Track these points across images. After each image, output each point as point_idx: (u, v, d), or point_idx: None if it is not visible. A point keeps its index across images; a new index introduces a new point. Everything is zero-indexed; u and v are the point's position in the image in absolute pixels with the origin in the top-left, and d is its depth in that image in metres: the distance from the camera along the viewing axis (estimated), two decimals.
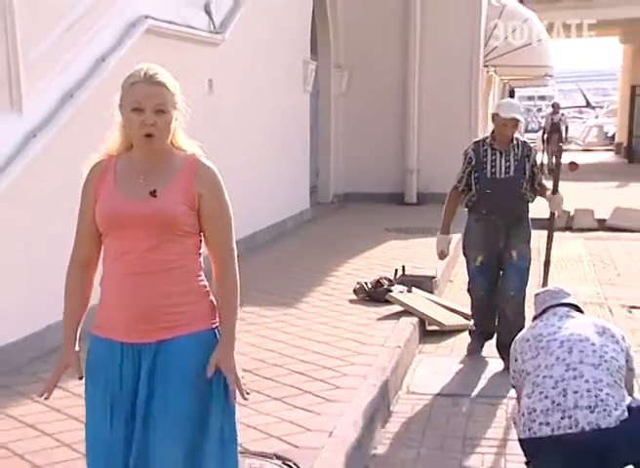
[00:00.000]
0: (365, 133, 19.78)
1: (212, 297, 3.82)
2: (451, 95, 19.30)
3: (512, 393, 6.44)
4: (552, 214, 8.15)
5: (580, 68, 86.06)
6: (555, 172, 8.06)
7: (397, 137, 19.81)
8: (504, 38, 20.96)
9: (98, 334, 3.68)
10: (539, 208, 8.41)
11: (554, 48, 24.26)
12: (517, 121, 7.65)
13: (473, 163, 7.77)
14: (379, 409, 6.61)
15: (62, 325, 3.79)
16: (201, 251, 3.78)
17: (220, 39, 12.27)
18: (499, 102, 8.21)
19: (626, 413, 5.00)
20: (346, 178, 20.03)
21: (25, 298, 7.09)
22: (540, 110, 57.57)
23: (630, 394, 5.41)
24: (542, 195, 7.97)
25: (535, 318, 5.98)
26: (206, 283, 3.79)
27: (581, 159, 33.66)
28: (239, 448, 5.60)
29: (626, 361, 5.40)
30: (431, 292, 10.01)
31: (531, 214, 8.03)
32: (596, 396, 5.04)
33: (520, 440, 5.44)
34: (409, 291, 9.50)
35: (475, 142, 7.99)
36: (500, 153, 7.73)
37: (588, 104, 69.37)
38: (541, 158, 8.38)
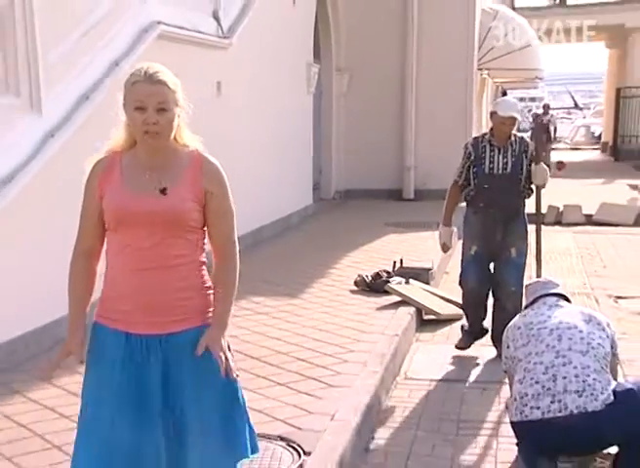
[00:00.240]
0: (365, 132, 19.77)
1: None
2: (446, 96, 19.29)
3: (504, 379, 6.44)
4: (539, 198, 7.94)
5: (568, 71, 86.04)
6: (537, 148, 7.86)
7: (395, 136, 19.78)
8: (497, 43, 20.96)
9: (103, 324, 3.61)
10: (528, 203, 8.33)
11: (544, 52, 24.25)
12: (515, 119, 7.59)
13: (472, 158, 7.69)
14: (378, 394, 6.60)
15: (68, 313, 3.70)
16: (205, 246, 3.74)
17: (227, 43, 12.26)
18: (497, 100, 8.09)
19: (612, 397, 5.05)
20: (347, 176, 20.02)
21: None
22: (530, 111, 57.47)
23: (615, 378, 5.44)
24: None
25: (526, 307, 6.00)
26: (208, 277, 3.74)
27: (570, 157, 33.84)
28: None
29: (611, 347, 5.44)
30: (428, 284, 10.01)
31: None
32: (584, 381, 5.08)
33: (512, 423, 5.47)
34: (406, 282, 9.50)
35: (474, 138, 7.93)
36: (499, 149, 7.64)
37: (576, 106, 69.33)
38: (541, 150, 8.50)
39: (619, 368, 5.82)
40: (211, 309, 3.68)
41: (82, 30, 8.35)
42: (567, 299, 5.92)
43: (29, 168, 7.14)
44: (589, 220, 17.42)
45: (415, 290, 9.37)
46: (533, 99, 68.21)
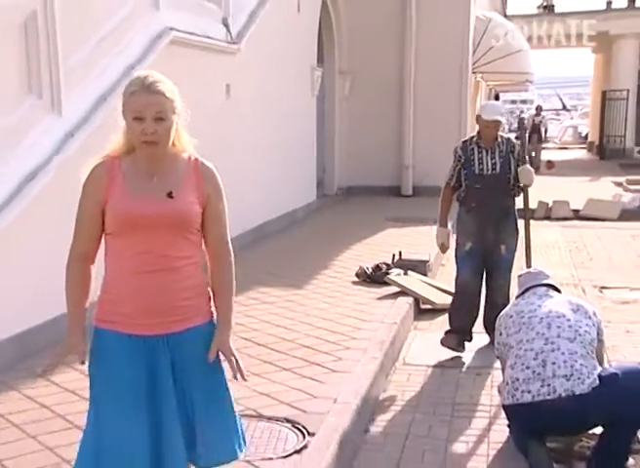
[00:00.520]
0: (366, 132, 19.74)
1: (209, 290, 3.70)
2: (442, 98, 19.26)
3: (497, 364, 6.45)
4: (526, 195, 7.82)
5: (557, 75, 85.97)
6: (522, 150, 7.77)
7: (394, 136, 19.75)
8: (490, 48, 20.95)
9: (104, 327, 3.48)
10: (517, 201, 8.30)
11: (534, 57, 24.21)
12: (499, 122, 7.52)
13: (462, 160, 7.62)
14: (378, 379, 6.60)
15: (67, 315, 3.55)
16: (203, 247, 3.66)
17: (236, 49, 12.25)
18: (482, 104, 7.98)
19: (597, 381, 5.09)
20: (349, 173, 20.00)
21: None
22: (522, 112, 57.42)
23: (600, 363, 5.47)
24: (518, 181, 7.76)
25: (517, 296, 6.01)
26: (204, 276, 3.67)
27: (558, 156, 33.92)
28: (254, 413, 5.65)
29: (597, 334, 5.46)
30: (425, 275, 10.00)
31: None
32: (572, 366, 5.11)
33: (504, 405, 5.51)
34: (405, 273, 9.50)
35: (463, 141, 7.83)
36: (486, 151, 7.57)
37: (564, 107, 69.23)
38: (525, 152, 8.44)
39: (604, 353, 5.82)
40: (211, 307, 3.63)
41: (99, 36, 8.37)
42: (557, 289, 5.93)
43: (50, 166, 7.15)
44: (577, 215, 17.39)
45: (413, 281, 9.37)
46: (524, 102, 68.15)
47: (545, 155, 31.53)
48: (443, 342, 7.65)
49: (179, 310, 3.48)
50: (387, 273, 9.61)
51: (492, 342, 7.35)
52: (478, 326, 7.81)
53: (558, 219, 17.13)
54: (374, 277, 9.87)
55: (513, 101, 66.41)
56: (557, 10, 37.86)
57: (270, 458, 4.94)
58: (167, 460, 3.47)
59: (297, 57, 16.05)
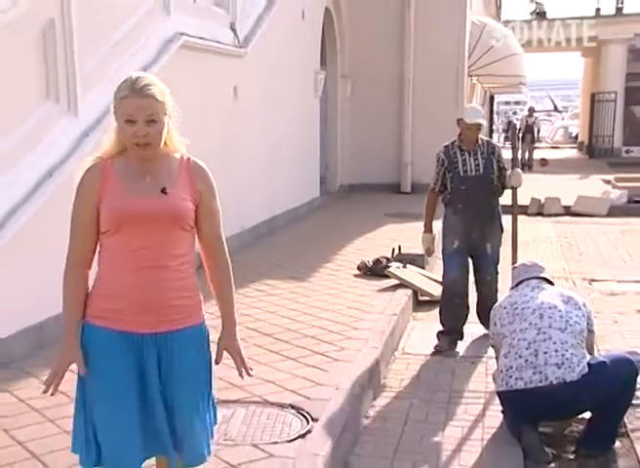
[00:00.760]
0: (366, 132, 19.74)
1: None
2: (439, 100, 19.23)
3: (491, 353, 6.44)
4: (515, 196, 7.83)
5: (548, 78, 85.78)
6: (513, 153, 7.78)
7: (394, 136, 19.75)
8: (485, 52, 20.93)
9: (95, 324, 3.35)
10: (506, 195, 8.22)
11: (527, 60, 24.18)
12: (480, 125, 7.46)
13: (446, 164, 7.51)
14: (378, 367, 6.60)
15: (65, 322, 3.39)
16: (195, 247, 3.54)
17: (243, 52, 12.26)
18: (463, 108, 7.91)
19: (587, 369, 5.12)
20: (351, 171, 20.01)
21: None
22: (515, 113, 57.40)
23: (590, 352, 5.49)
24: (505, 184, 7.66)
25: (512, 288, 6.01)
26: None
27: (550, 155, 33.86)
28: (260, 400, 5.65)
29: (587, 324, 5.47)
30: (423, 268, 9.98)
31: (501, 202, 7.81)
32: (562, 355, 5.14)
33: (498, 392, 5.53)
34: (404, 267, 9.49)
35: (445, 146, 7.68)
36: (469, 153, 7.48)
37: (556, 109, 69.08)
38: (516, 153, 8.38)
39: (594, 343, 5.83)
40: (202, 309, 3.51)
41: (113, 42, 8.39)
42: (549, 282, 5.93)
43: (66, 165, 7.15)
44: (568, 211, 17.39)
45: (411, 274, 9.36)
46: (517, 103, 68.10)
47: (538, 154, 31.49)
48: (436, 347, 7.52)
49: (171, 310, 3.36)
50: (387, 266, 9.60)
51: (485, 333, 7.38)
52: (473, 316, 7.80)
53: (550, 215, 17.14)
54: (374, 270, 9.87)
55: (507, 103, 66.39)
56: (549, 16, 37.78)
57: (276, 442, 4.93)
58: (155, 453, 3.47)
59: (301, 60, 16.05)
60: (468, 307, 7.74)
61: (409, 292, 9.01)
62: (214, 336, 3.55)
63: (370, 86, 19.69)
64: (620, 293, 9.79)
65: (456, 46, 19.40)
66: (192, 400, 3.43)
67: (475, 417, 5.87)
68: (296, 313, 8.10)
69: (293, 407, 5.52)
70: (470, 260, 7.71)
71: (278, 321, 7.77)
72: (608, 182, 21.33)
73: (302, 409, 5.46)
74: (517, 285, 5.94)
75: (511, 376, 5.29)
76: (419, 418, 5.86)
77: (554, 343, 5.21)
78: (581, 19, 35.46)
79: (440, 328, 7.66)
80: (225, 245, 3.59)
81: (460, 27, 19.42)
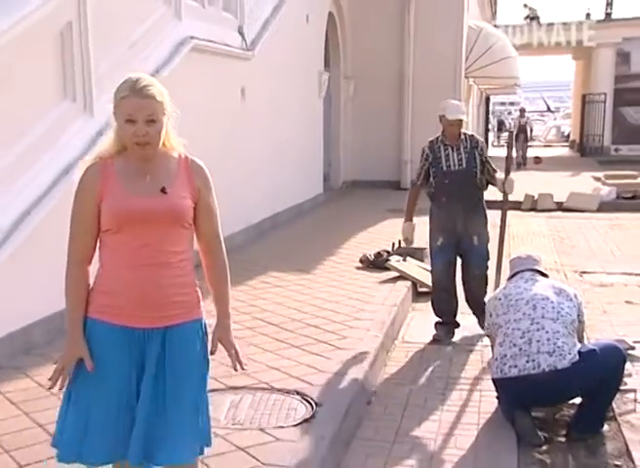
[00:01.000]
0: (368, 131, 19.76)
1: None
2: (438, 100, 18.80)
3: (487, 342, 6.45)
4: (505, 195, 7.61)
5: (541, 80, 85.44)
6: (507, 161, 7.62)
7: (394, 134, 19.75)
8: (482, 54, 20.92)
9: (96, 318, 3.29)
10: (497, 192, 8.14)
11: (521, 63, 24.16)
12: (461, 121, 7.31)
13: (430, 159, 7.38)
14: (378, 355, 6.61)
15: (68, 319, 3.33)
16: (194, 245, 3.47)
17: (250, 55, 12.27)
18: (444, 105, 7.55)
19: (577, 357, 5.14)
20: (353, 168, 20.02)
21: None
22: (510, 114, 57.35)
23: (581, 341, 5.53)
24: (494, 184, 7.51)
25: (508, 279, 6.02)
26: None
27: (543, 153, 33.87)
28: (266, 386, 5.67)
29: (578, 315, 5.48)
30: (422, 261, 9.97)
31: (492, 197, 7.75)
32: (554, 343, 5.17)
33: (493, 379, 5.54)
34: (404, 260, 9.48)
35: (430, 141, 7.54)
36: (452, 148, 7.33)
37: (549, 109, 68.95)
38: (510, 152, 8.37)
39: (584, 332, 5.85)
40: (200, 305, 3.42)
41: (127, 44, 8.40)
42: (543, 274, 5.93)
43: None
44: (560, 207, 17.37)
45: (411, 266, 9.37)
46: (512, 104, 67.89)
47: (532, 152, 31.48)
48: (434, 337, 7.49)
49: (172, 305, 3.29)
50: (388, 259, 9.60)
51: (479, 323, 7.36)
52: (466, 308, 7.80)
53: (543, 211, 17.13)
54: (375, 263, 9.88)
55: (502, 103, 66.26)
56: (542, 21, 37.71)
57: (281, 427, 4.95)
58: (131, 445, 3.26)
59: (305, 62, 16.06)
60: (457, 299, 7.63)
61: (408, 283, 9.01)
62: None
63: (371, 87, 19.71)
64: (609, 285, 9.80)
65: (453, 49, 19.40)
66: (189, 396, 3.33)
67: (471, 403, 5.87)
68: (300, 304, 8.11)
69: (298, 392, 5.53)
70: (460, 257, 7.59)
71: (284, 311, 7.78)
72: (598, 179, 21.31)
73: (307, 395, 5.48)
74: (512, 277, 5.96)
75: (506, 364, 5.31)
76: (417, 404, 5.87)
77: (547, 333, 5.23)
78: (573, 24, 35.39)
79: (437, 318, 7.65)
80: (223, 243, 3.52)
81: (457, 31, 19.41)
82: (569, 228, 14.68)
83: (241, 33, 12.18)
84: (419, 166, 7.55)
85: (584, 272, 10.56)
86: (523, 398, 5.32)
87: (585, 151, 35.36)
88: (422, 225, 7.57)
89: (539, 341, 5.22)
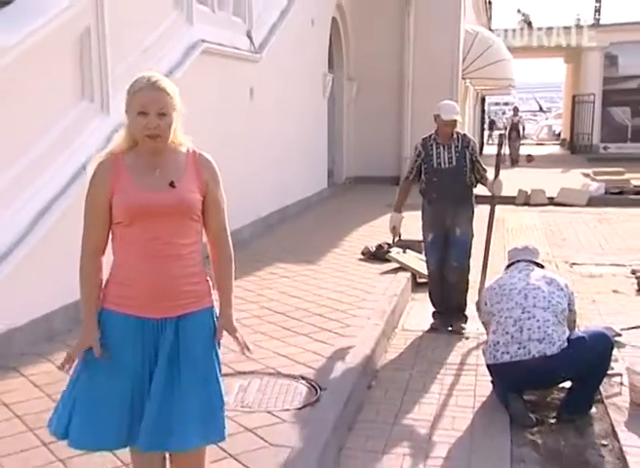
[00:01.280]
0: (370, 129, 19.72)
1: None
2: (436, 100, 18.67)
3: (482, 329, 6.44)
4: (494, 197, 7.40)
5: (534, 81, 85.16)
6: (496, 162, 7.43)
7: (395, 132, 19.70)
8: (478, 57, 20.90)
9: (111, 309, 3.28)
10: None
11: (515, 65, 24.10)
12: (456, 121, 7.21)
13: (422, 156, 7.30)
14: (379, 342, 6.62)
15: (82, 309, 3.33)
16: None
17: (258, 57, 12.25)
18: (439, 105, 7.42)
19: (566, 344, 5.17)
20: (356, 165, 19.99)
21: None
22: (504, 113, 57.20)
23: (573, 328, 5.55)
24: (484, 183, 7.39)
25: (505, 269, 6.02)
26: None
27: (535, 151, 33.86)
28: (273, 371, 5.67)
29: (568, 304, 5.49)
30: (421, 253, 9.96)
31: (483, 192, 7.60)
32: (544, 331, 5.20)
33: (487, 365, 5.54)
34: (404, 252, 9.46)
35: (423, 139, 7.45)
36: (444, 146, 7.24)
37: (541, 109, 68.73)
38: (503, 150, 8.33)
39: (576, 320, 5.86)
40: (211, 294, 3.40)
41: (142, 48, 8.41)
42: (537, 264, 5.92)
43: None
44: (551, 202, 17.38)
45: (410, 258, 9.36)
46: (506, 104, 67.53)
47: (524, 150, 31.44)
48: (432, 325, 7.47)
49: (183, 295, 3.26)
50: (388, 251, 9.59)
51: (438, 322, 7.41)
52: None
53: (536, 205, 17.14)
54: (377, 255, 9.88)
55: (497, 104, 66.02)
56: (534, 25, 37.62)
57: (288, 409, 4.96)
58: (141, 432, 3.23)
59: (310, 64, 16.04)
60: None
61: (408, 274, 9.01)
62: None
63: (373, 88, 19.68)
64: (598, 276, 9.81)
65: (451, 52, 19.34)
66: (202, 382, 3.29)
67: (467, 387, 5.89)
68: (306, 293, 8.11)
69: (303, 377, 5.55)
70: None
71: (290, 300, 7.79)
72: (587, 176, 21.32)
73: (312, 380, 5.49)
74: (509, 266, 5.97)
75: (498, 351, 5.34)
76: (416, 388, 5.88)
77: (537, 321, 5.26)
78: (565, 28, 35.29)
79: (434, 308, 7.64)
80: (230, 237, 3.48)
81: (454, 34, 19.36)
82: (560, 222, 14.69)
83: (249, 37, 12.17)
84: (411, 161, 7.49)
85: (575, 263, 10.57)
86: (515, 382, 5.34)
87: (575, 149, 35.38)
88: (411, 219, 7.51)
89: (529, 329, 5.24)
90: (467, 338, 7.12)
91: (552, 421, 5.31)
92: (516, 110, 32.47)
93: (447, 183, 7.19)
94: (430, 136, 7.38)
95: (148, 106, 3.15)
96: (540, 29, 35.03)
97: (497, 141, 7.76)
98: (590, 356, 5.18)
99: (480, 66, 21.03)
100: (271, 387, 5.39)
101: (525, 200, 17.47)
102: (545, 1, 49.13)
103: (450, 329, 7.40)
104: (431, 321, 7.53)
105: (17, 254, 6.24)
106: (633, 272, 9.70)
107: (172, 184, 3.22)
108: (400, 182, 7.67)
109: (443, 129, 7.22)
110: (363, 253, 10.11)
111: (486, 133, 42.48)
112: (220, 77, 10.64)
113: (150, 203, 3.18)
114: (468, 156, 7.24)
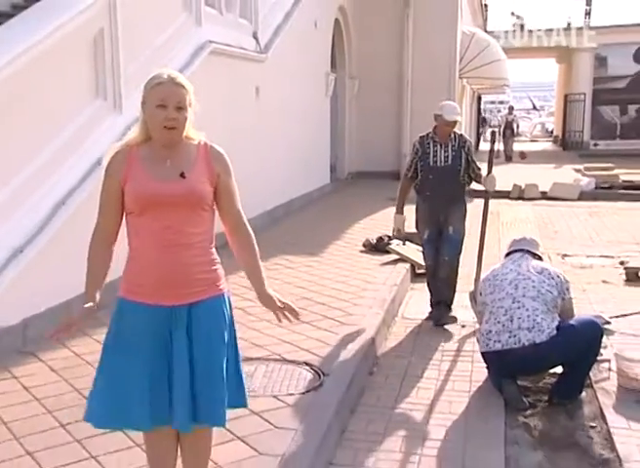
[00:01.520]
0: (371, 126, 19.72)
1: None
2: (434, 99, 18.82)
3: (476, 319, 6.46)
4: (487, 193, 7.37)
5: (528, 81, 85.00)
6: (489, 158, 7.31)
7: (395, 129, 19.69)
8: (474, 57, 20.87)
9: (129, 298, 3.28)
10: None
11: (509, 65, 24.06)
12: (456, 122, 7.11)
13: (419, 153, 7.20)
14: (380, 330, 6.64)
15: (85, 286, 3.34)
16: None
17: (264, 57, 12.26)
18: (442, 105, 7.27)
19: (555, 331, 5.18)
20: (357, 160, 20.00)
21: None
22: (499, 111, 57.15)
23: (570, 316, 5.51)
24: (478, 181, 7.31)
25: (505, 258, 6.02)
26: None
27: (529, 148, 33.83)
28: (279, 358, 5.69)
29: (559, 293, 5.45)
30: (419, 245, 9.98)
31: (478, 187, 7.53)
32: (534, 320, 5.22)
33: (481, 352, 5.56)
34: (403, 244, 9.47)
35: (421, 136, 7.34)
36: (441, 145, 7.14)
37: (534, 107, 68.70)
38: (498, 146, 8.32)
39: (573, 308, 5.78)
40: (222, 282, 3.37)
41: (153, 48, 8.42)
42: (534, 254, 5.90)
43: None
44: (544, 196, 17.39)
45: (409, 250, 9.36)
46: (501, 102, 67.47)
47: (518, 147, 31.40)
48: (430, 314, 7.39)
49: (196, 282, 3.25)
50: (389, 244, 9.61)
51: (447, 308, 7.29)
52: (461, 286, 7.77)
53: (529, 199, 17.15)
54: (377, 247, 9.89)
55: (492, 102, 65.97)
56: (528, 28, 37.54)
57: (292, 394, 4.98)
58: (175, 412, 3.26)
59: (314, 64, 16.04)
60: None
61: (407, 265, 9.03)
62: (237, 303, 3.51)
63: (373, 87, 19.67)
64: (589, 266, 9.83)
65: (448, 52, 19.32)
66: (218, 364, 3.29)
67: (463, 373, 5.90)
68: (309, 283, 8.14)
69: (307, 363, 5.57)
70: None
71: (294, 290, 7.80)
72: (578, 171, 21.30)
73: (315, 366, 5.51)
74: (506, 257, 5.98)
75: (491, 339, 5.37)
76: (415, 374, 5.90)
77: (527, 310, 5.27)
78: (557, 30, 35.22)
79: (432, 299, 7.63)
80: (247, 221, 3.46)
81: (452, 36, 19.33)
82: (552, 215, 14.69)
83: (256, 38, 12.17)
84: (409, 159, 7.37)
85: (566, 255, 10.58)
86: (507, 369, 5.37)
87: (567, 146, 35.38)
88: (411, 213, 7.46)
89: (519, 318, 5.26)
90: (464, 326, 7.13)
91: (544, 405, 5.33)
92: (511, 109, 32.52)
93: (441, 181, 7.10)
94: (428, 134, 7.27)
95: (167, 100, 3.16)
96: (531, 31, 34.93)
97: (489, 138, 7.68)
98: (580, 343, 5.20)
99: (476, 66, 21.00)
100: (276, 373, 5.41)
101: (519, 194, 17.48)
102: (538, 4, 48.97)
103: (438, 325, 7.24)
104: (429, 310, 7.53)
105: (37, 243, 6.31)
106: (621, 263, 9.75)
107: (182, 175, 3.22)
108: (400, 179, 7.58)
109: (444, 128, 7.11)
110: (364, 245, 10.12)
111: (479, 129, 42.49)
112: (227, 76, 10.65)
113: (160, 192, 3.17)
114: (464, 156, 7.15)
